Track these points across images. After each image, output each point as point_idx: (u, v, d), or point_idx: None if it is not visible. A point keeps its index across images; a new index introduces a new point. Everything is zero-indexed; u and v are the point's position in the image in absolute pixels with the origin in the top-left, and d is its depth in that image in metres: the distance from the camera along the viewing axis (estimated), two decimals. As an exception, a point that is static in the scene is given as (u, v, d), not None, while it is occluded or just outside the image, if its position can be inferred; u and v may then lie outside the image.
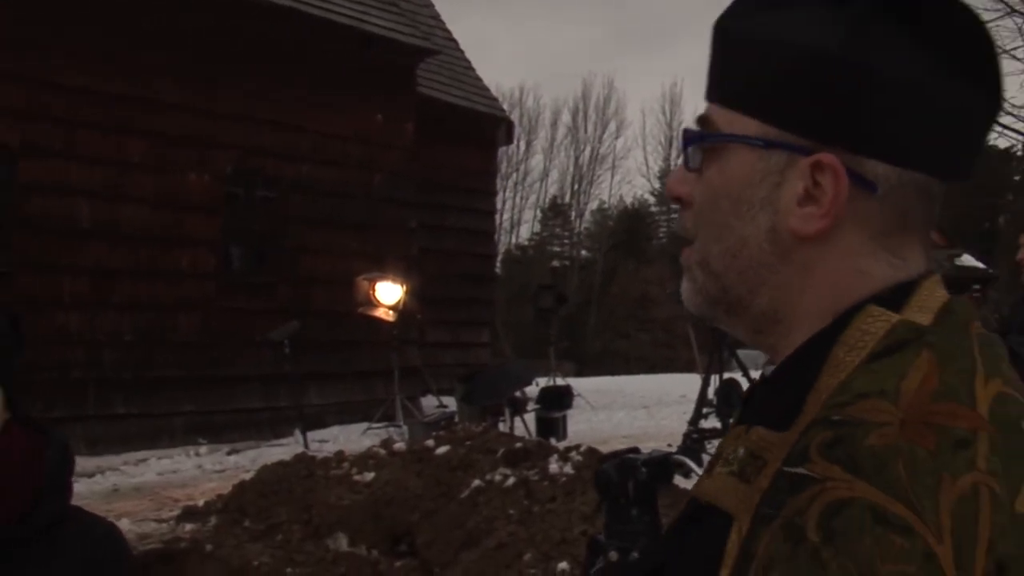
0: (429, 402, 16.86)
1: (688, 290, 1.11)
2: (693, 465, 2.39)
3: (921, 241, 1.03)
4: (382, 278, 15.10)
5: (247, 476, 9.57)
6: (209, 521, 8.45)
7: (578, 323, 50.95)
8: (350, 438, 14.49)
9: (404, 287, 15.17)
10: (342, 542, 8.11)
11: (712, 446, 10.82)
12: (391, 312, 15.07)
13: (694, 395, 12.98)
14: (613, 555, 3.48)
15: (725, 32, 1.06)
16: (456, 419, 13.61)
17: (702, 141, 1.07)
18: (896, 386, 0.88)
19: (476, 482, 8.07)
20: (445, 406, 15.85)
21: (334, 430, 15.34)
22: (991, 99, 1.01)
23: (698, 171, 1.08)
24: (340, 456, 9.76)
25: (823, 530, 0.82)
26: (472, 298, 20.34)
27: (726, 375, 12.97)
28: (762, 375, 1.12)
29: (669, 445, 11.20)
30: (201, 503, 9.25)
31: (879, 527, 0.81)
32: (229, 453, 13.80)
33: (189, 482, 11.75)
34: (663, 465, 3.48)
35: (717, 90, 1.07)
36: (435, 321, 18.49)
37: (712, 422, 12.39)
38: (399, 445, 9.92)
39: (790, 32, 0.99)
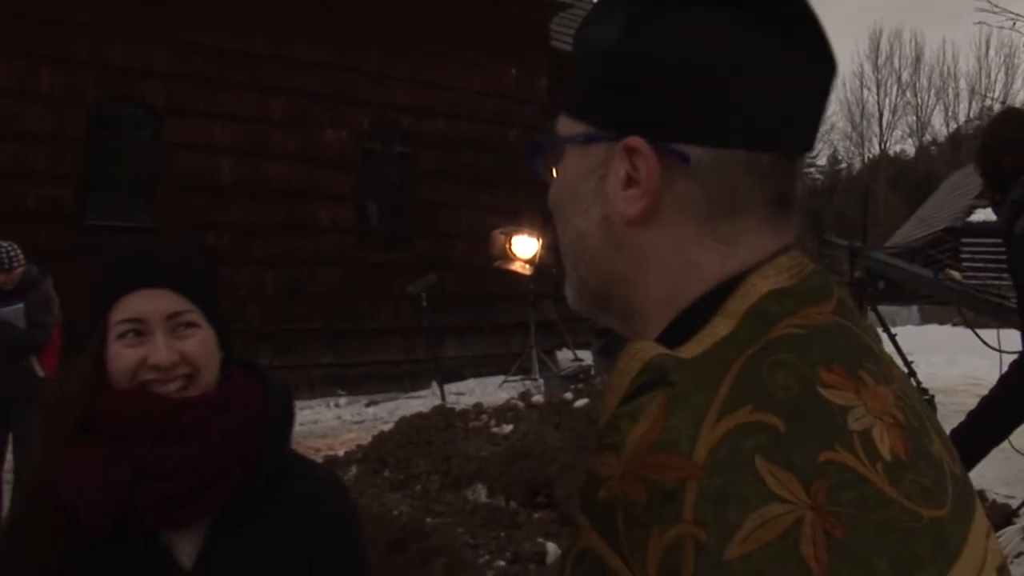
0: (565, 356, 16.85)
1: (567, 289, 1.12)
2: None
3: (762, 223, 0.99)
4: (518, 232, 15.08)
5: (386, 427, 9.70)
6: (350, 471, 8.60)
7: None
8: (486, 391, 14.58)
9: (540, 241, 15.14)
10: (481, 493, 8.17)
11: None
12: (527, 266, 15.05)
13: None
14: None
15: (573, 45, 1.10)
16: (592, 373, 13.59)
17: (543, 149, 1.12)
18: (624, 438, 0.85)
19: (615, 435, 8.06)
20: (581, 360, 15.82)
21: (471, 383, 15.46)
22: (814, 63, 0.97)
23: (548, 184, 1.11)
24: (479, 408, 9.84)
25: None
26: (607, 252, 20.23)
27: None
28: None
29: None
30: (342, 453, 9.42)
31: None
32: (368, 404, 14.01)
33: (329, 432, 11.97)
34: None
35: (563, 100, 1.11)
36: (571, 275, 18.45)
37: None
38: (537, 398, 9.96)
39: (594, 37, 1.03)
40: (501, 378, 15.26)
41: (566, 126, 1.07)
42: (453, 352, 15.66)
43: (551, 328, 16.64)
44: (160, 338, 1.83)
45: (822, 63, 0.98)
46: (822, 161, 62.81)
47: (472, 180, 16.10)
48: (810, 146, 1.02)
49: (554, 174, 1.10)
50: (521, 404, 9.80)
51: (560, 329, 16.90)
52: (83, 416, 1.81)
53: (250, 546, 1.87)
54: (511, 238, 15.07)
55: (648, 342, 0.94)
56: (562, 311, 17.28)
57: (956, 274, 7.87)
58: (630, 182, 1.00)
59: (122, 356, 1.82)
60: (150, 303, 1.84)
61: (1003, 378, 4.50)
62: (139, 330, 1.83)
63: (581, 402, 9.06)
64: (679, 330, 0.95)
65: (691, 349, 0.91)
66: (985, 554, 0.89)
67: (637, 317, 1.03)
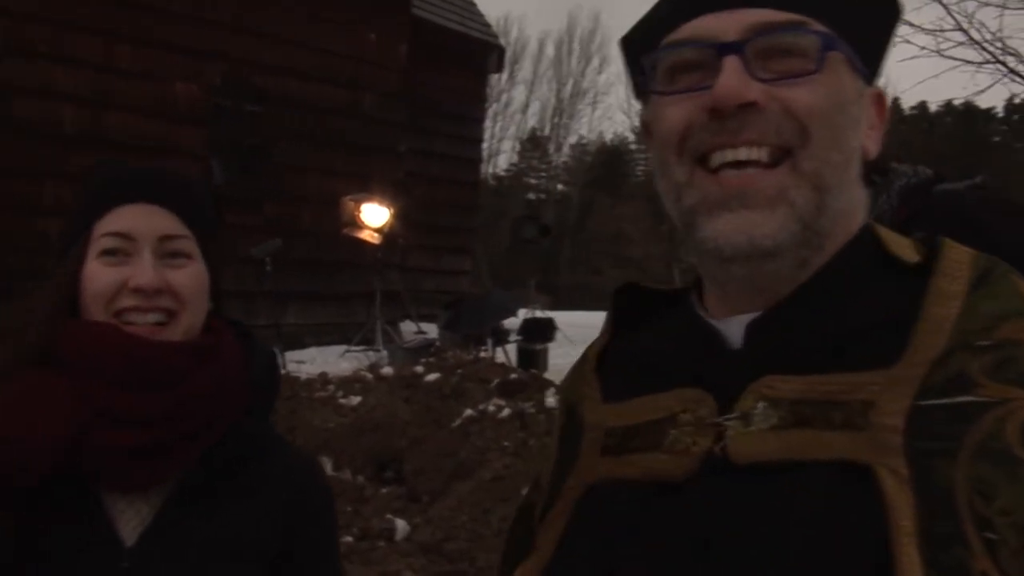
0: (407, 327, 16.72)
1: (775, 220, 1.03)
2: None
3: None
4: (368, 200, 14.88)
5: (228, 394, 9.43)
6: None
7: (552, 256, 50.96)
8: (328, 360, 14.34)
9: (391, 210, 14.97)
10: (326, 466, 8.00)
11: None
12: (376, 235, 14.87)
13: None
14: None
15: None
16: (437, 345, 13.51)
17: (832, 47, 1.06)
18: None
19: (468, 411, 7.97)
20: (424, 332, 15.74)
21: (312, 351, 15.17)
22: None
23: (806, 73, 1.05)
24: (325, 378, 9.65)
25: None
26: (456, 225, 20.09)
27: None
28: (759, 319, 1.08)
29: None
30: (181, 419, 9.12)
31: None
32: (206, 369, 13.61)
33: (166, 396, 11.58)
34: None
35: (827, 4, 1.08)
36: (418, 246, 18.28)
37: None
38: (386, 370, 9.82)
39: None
40: (343, 348, 15.04)
41: (840, 43, 1.08)
42: (295, 319, 15.35)
43: (395, 299, 16.48)
44: (148, 259, 1.59)
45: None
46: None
47: (324, 144, 15.77)
48: None
49: (816, 72, 1.07)
50: (369, 375, 9.66)
51: (405, 301, 16.76)
52: (45, 343, 1.55)
53: (208, 526, 1.62)
54: (360, 205, 14.87)
55: (954, 244, 1.05)
56: (407, 282, 17.16)
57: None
58: (871, 124, 1.11)
59: (100, 275, 1.59)
60: (142, 218, 1.61)
61: None
62: (125, 249, 1.60)
63: (433, 376, 8.94)
64: (843, 258, 1.07)
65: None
66: None
67: (821, 254, 1.06)
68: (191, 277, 1.64)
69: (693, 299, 1.19)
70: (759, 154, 1.03)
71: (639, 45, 1.17)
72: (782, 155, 1.03)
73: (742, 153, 1.03)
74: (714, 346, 1.10)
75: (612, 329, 1.29)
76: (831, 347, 0.99)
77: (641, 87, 1.17)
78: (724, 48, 1.03)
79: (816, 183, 1.03)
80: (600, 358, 1.26)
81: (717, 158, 1.04)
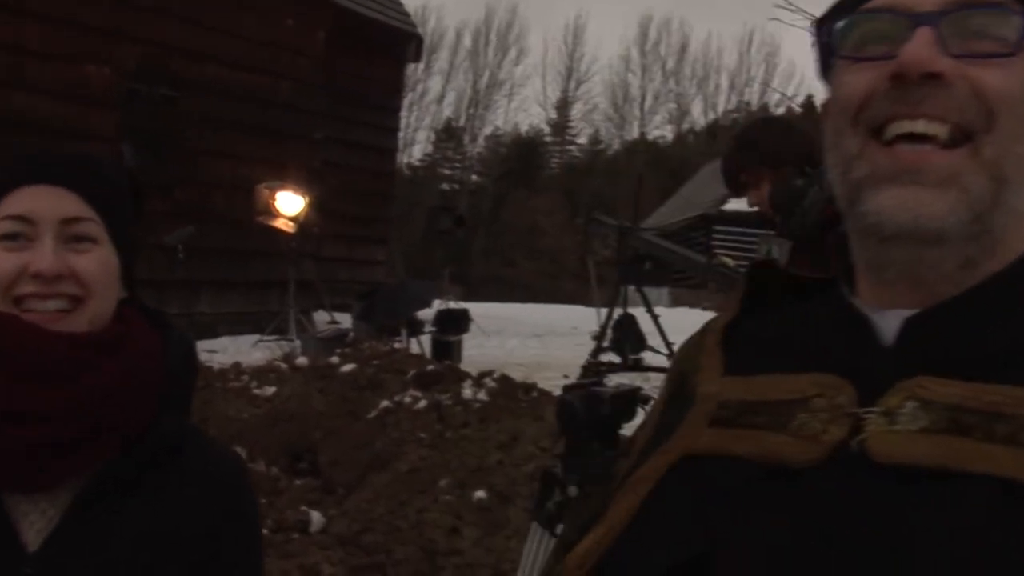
0: (320, 317, 16.59)
1: (945, 203, 0.99)
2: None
3: None
4: (283, 187, 14.74)
5: (140, 383, 9.27)
6: (101, 427, 8.18)
7: (465, 247, 50.98)
8: (240, 349, 14.18)
9: (306, 199, 14.84)
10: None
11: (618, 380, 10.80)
12: (291, 223, 14.74)
13: (585, 327, 12.83)
14: (573, 490, 3.34)
15: None
16: (351, 336, 13.42)
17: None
18: None
19: (384, 403, 7.91)
20: (337, 322, 15.63)
21: (224, 340, 14.98)
22: None
23: (1001, 55, 1.01)
24: (238, 368, 9.53)
25: None
26: (371, 215, 19.99)
27: (619, 310, 12.88)
28: (920, 315, 1.03)
29: (566, 376, 11.15)
30: (91, 408, 8.95)
31: None
32: (116, 358, 13.39)
33: (75, 385, 11.36)
34: (629, 400, 3.34)
35: None
36: (332, 236, 18.12)
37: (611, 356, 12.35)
38: (301, 360, 9.72)
39: None
40: (256, 337, 14.87)
41: None
42: (207, 308, 15.18)
43: (309, 288, 16.36)
44: (48, 243, 1.51)
45: None
46: (583, 140, 64.42)
47: (239, 130, 15.57)
48: None
49: (1014, 54, 1.02)
50: (284, 366, 9.55)
51: (319, 290, 16.64)
52: None
53: (124, 525, 1.53)
54: (275, 193, 14.72)
55: None
56: (322, 271, 17.03)
57: (730, 261, 8.08)
58: None
59: None
60: (43, 200, 1.53)
61: None
62: (25, 233, 1.51)
63: (348, 367, 8.86)
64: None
65: None
66: None
67: (991, 259, 1.02)
68: (96, 262, 1.57)
69: (843, 287, 1.14)
70: (938, 130, 1.00)
71: (833, 16, 1.13)
72: (963, 137, 1.00)
73: (920, 125, 1.00)
74: (864, 336, 1.05)
75: (741, 305, 1.24)
76: (996, 358, 0.95)
77: (829, 56, 1.12)
78: (918, 19, 1.01)
79: (995, 173, 0.99)
80: (725, 332, 1.21)
81: (893, 129, 1.01)
